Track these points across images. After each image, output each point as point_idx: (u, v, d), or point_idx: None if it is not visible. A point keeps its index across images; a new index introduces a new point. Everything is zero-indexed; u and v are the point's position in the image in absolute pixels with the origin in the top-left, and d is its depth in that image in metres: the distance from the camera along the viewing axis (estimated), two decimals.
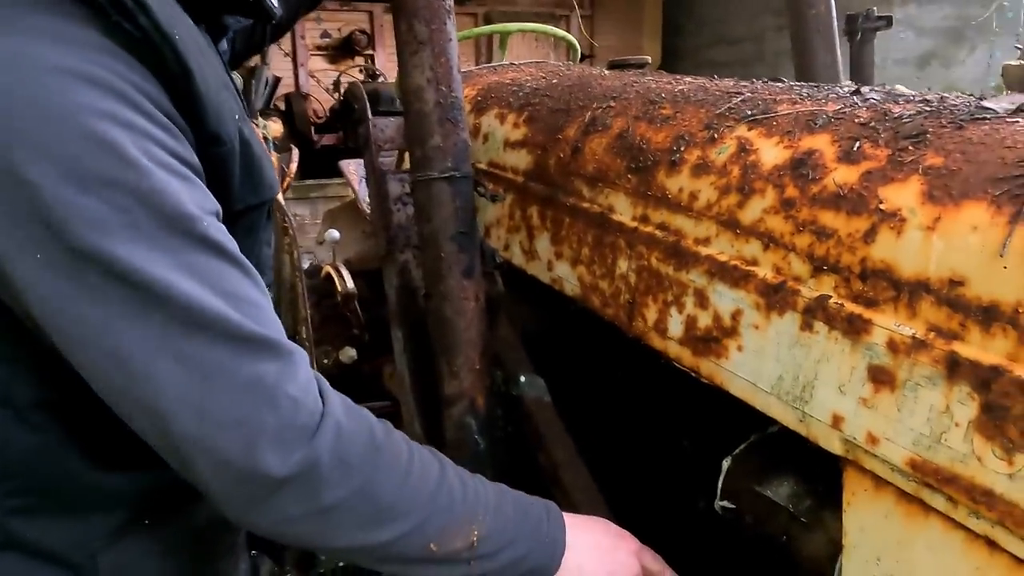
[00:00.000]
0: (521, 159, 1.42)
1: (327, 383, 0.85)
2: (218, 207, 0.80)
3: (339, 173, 3.75)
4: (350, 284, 2.47)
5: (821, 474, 0.96)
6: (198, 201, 0.76)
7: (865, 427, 0.77)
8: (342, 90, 8.35)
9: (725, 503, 1.03)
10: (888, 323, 0.75)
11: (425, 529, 0.84)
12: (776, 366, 0.87)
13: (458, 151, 1.26)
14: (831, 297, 0.81)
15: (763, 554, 1.04)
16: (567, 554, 0.95)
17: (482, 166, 1.54)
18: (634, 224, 1.10)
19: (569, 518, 0.99)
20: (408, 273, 1.56)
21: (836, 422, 0.80)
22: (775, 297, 0.87)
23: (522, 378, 1.36)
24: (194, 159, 0.79)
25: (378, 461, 0.82)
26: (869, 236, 0.78)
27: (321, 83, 9.06)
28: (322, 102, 8.77)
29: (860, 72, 2.80)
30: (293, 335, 2.32)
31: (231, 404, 0.73)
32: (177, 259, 0.72)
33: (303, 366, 0.81)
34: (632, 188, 1.11)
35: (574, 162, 1.26)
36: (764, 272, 0.89)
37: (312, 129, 8.66)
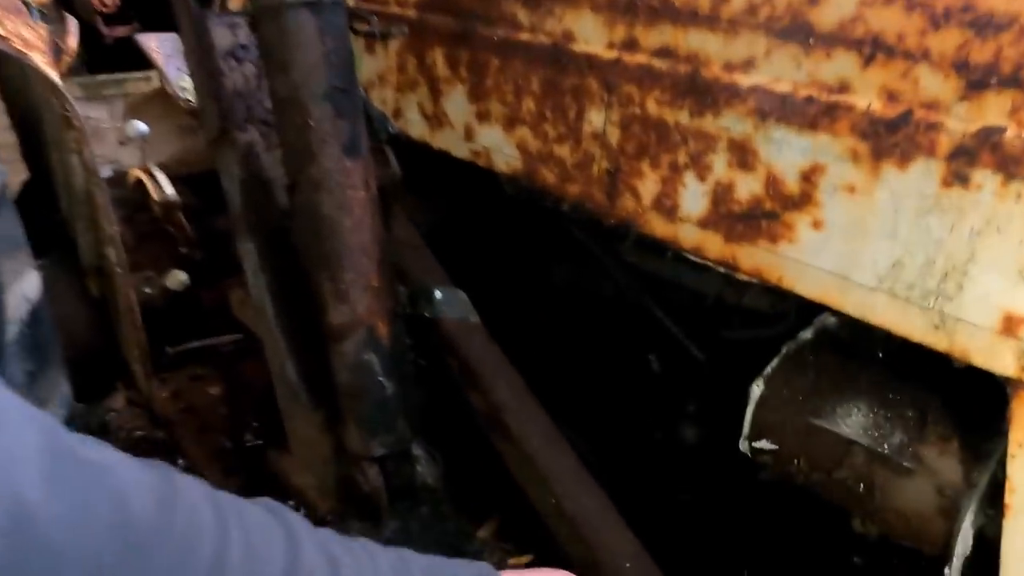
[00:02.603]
0: None
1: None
2: None
3: (139, 63, 3.04)
4: (169, 190, 1.94)
5: (910, 394, 0.69)
6: None
7: None
8: None
9: (763, 443, 0.74)
10: None
11: None
12: (891, 247, 0.56)
13: None
14: (1005, 129, 0.50)
15: (808, 506, 0.78)
16: None
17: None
18: (613, 54, 0.74)
19: None
20: (255, 159, 1.11)
21: (1009, 326, 0.51)
22: (890, 138, 0.55)
23: (437, 294, 1.00)
24: None
25: (136, 558, 0.40)
26: None
27: None
28: None
29: None
30: (99, 259, 1.79)
31: None
32: None
33: None
34: (605, 1, 0.74)
35: None
36: (866, 101, 0.57)
37: (100, 19, 7.39)
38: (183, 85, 1.92)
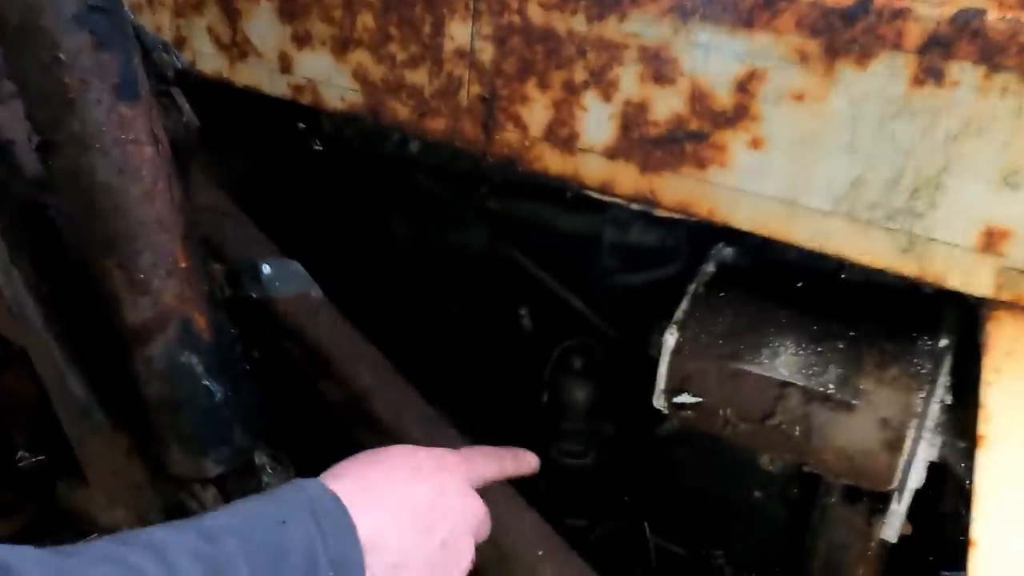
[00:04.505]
0: None
1: None
2: None
3: None
4: None
5: (836, 324, 0.63)
6: None
7: None
8: None
9: (684, 397, 0.66)
10: None
11: None
12: (848, 163, 0.49)
13: None
14: (985, 12, 0.43)
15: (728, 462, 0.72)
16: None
17: None
18: None
19: (350, 495, 0.50)
20: None
21: (990, 241, 0.46)
22: (846, 33, 0.46)
23: (265, 268, 0.81)
24: None
25: None
26: None
27: None
28: None
29: None
30: None
31: None
32: None
33: None
34: None
35: None
36: None
37: None
38: None
